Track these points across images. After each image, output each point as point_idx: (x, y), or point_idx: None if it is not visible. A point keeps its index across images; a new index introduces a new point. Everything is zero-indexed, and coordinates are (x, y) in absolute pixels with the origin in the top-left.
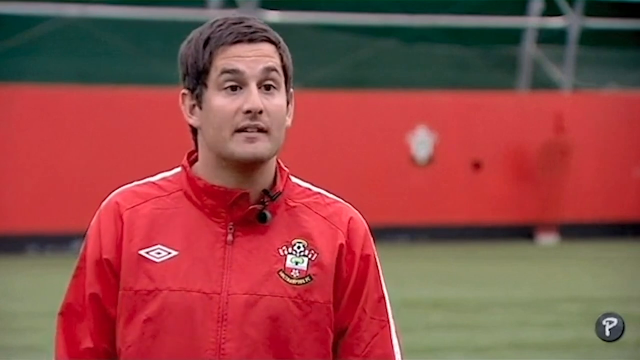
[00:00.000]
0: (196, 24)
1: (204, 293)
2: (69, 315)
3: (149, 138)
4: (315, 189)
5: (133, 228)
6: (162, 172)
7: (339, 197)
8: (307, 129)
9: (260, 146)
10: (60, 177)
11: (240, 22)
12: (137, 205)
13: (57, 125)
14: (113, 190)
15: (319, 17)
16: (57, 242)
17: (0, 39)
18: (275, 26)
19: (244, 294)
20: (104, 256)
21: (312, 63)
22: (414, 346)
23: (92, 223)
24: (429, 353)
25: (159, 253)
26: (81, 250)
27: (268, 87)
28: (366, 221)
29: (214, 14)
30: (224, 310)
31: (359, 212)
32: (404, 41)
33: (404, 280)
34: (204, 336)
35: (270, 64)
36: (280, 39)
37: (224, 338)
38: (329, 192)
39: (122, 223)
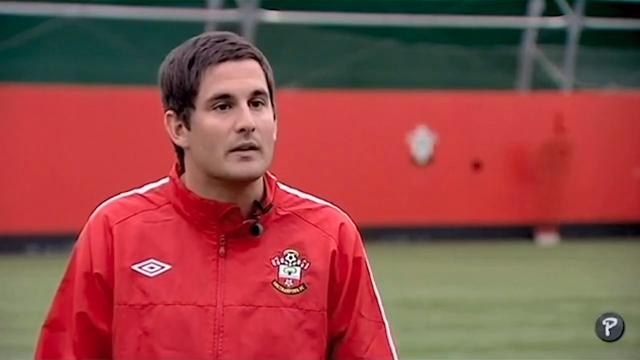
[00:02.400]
0: (196, 24)
1: (199, 306)
2: (53, 328)
3: (149, 138)
4: (302, 195)
5: (124, 242)
6: (149, 183)
7: (328, 200)
8: (306, 129)
9: (255, 165)
10: (60, 177)
11: (224, 40)
12: (127, 218)
13: (57, 125)
14: (107, 198)
15: (319, 17)
16: (57, 242)
17: (0, 39)
18: (275, 26)
19: (240, 305)
20: (95, 270)
21: (312, 63)
22: (414, 346)
23: (81, 236)
24: (429, 353)
25: (152, 267)
26: (69, 263)
27: (256, 104)
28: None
29: (214, 14)
30: (220, 322)
31: (349, 215)
32: (404, 41)
33: (404, 280)
34: (201, 349)
35: (258, 82)
36: (262, 55)
37: (221, 350)
38: (317, 197)
39: (112, 237)
